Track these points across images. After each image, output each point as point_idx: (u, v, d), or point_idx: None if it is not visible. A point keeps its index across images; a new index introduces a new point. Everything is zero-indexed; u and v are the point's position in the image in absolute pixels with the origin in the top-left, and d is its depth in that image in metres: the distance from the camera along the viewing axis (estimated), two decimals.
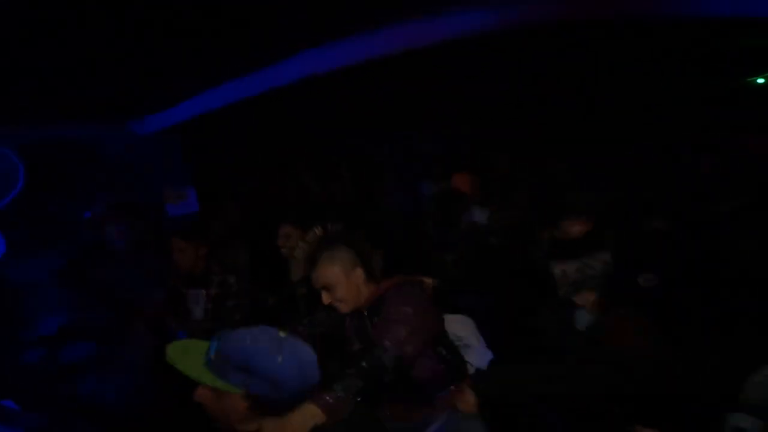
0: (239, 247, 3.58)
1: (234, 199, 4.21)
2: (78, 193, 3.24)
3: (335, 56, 2.74)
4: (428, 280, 1.97)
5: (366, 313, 1.82)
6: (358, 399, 1.44)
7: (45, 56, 2.02)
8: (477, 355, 2.05)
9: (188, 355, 1.18)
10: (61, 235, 2.96)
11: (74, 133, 3.35)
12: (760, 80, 4.39)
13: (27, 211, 2.74)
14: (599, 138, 4.78)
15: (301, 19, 2.17)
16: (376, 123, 4.42)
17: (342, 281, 1.77)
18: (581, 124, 4.94)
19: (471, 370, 1.96)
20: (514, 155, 4.37)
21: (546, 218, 2.72)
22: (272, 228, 2.98)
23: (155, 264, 3.01)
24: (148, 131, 3.59)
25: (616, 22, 2.49)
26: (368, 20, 2.32)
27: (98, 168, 3.40)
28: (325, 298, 1.80)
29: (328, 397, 1.33)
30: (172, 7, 1.74)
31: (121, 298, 2.74)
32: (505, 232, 3.18)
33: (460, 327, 2.09)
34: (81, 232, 2.99)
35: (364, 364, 1.53)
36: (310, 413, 1.24)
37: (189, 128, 3.61)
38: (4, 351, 2.23)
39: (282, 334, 1.21)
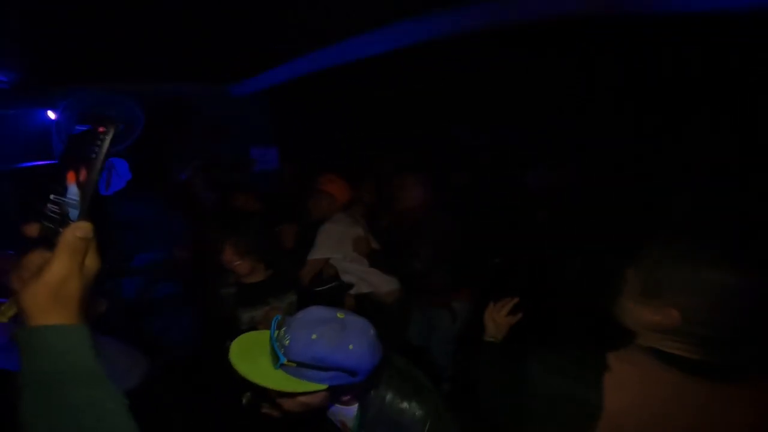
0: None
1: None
2: (178, 145, 3.67)
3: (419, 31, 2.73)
4: None
5: None
6: None
7: (160, 25, 2.29)
8: None
9: (255, 362, 1.13)
10: (159, 182, 3.41)
11: (181, 93, 3.73)
12: None
13: (134, 157, 3.15)
14: None
15: None
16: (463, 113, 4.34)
17: None
18: None
19: None
20: None
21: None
22: None
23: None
24: (243, 94, 3.90)
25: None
26: None
27: (198, 124, 3.79)
28: None
29: None
30: None
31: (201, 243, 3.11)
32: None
33: None
34: (175, 182, 3.39)
35: None
36: None
37: (277, 92, 3.86)
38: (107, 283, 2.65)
39: (340, 316, 1.16)
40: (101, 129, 0.67)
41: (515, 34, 2.67)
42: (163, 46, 2.73)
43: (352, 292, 2.74)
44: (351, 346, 1.09)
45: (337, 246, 2.69)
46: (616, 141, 3.76)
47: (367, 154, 4.04)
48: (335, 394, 1.15)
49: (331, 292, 2.66)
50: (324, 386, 1.09)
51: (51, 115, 3.05)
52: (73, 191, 0.67)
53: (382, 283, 2.74)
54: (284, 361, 1.08)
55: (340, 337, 1.09)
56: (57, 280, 0.64)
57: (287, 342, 1.10)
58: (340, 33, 2.89)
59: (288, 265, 2.40)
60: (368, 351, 1.11)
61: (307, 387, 1.09)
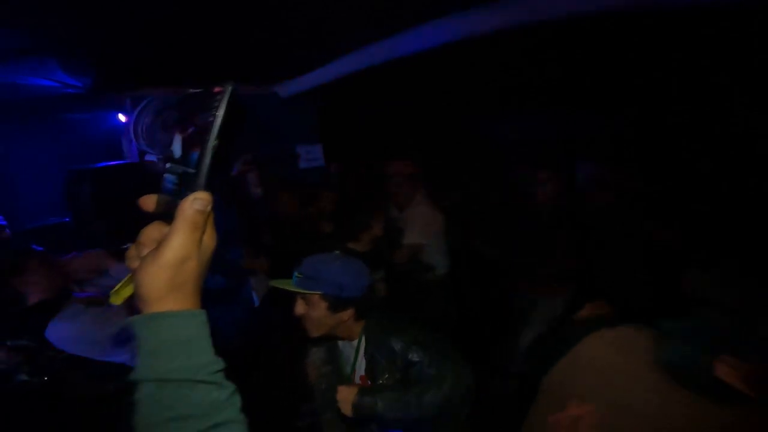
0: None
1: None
2: (232, 142, 3.87)
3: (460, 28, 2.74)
4: None
5: None
6: None
7: (215, 33, 2.47)
8: None
9: (284, 282, 1.62)
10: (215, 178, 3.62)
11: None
12: None
13: None
14: None
15: None
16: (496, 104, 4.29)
17: None
18: None
19: None
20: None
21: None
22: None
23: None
24: (289, 94, 4.06)
25: None
26: None
27: (248, 123, 3.99)
28: None
29: None
30: None
31: (251, 237, 3.30)
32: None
33: None
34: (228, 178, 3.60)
35: None
36: None
37: (322, 93, 3.99)
38: None
39: (337, 253, 1.71)
40: (217, 89, 0.60)
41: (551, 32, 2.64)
42: (217, 51, 2.92)
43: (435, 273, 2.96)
44: (337, 263, 1.57)
45: (427, 230, 2.86)
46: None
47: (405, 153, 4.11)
48: (333, 307, 1.54)
49: (414, 270, 2.88)
50: (320, 292, 1.53)
51: (121, 117, 3.33)
52: (191, 159, 0.61)
53: (439, 267, 2.97)
54: (296, 273, 1.57)
55: (330, 258, 1.60)
56: (176, 261, 0.56)
57: (299, 266, 1.60)
58: (379, 33, 2.95)
59: (383, 241, 2.68)
60: (352, 273, 1.56)
61: (309, 293, 1.54)
